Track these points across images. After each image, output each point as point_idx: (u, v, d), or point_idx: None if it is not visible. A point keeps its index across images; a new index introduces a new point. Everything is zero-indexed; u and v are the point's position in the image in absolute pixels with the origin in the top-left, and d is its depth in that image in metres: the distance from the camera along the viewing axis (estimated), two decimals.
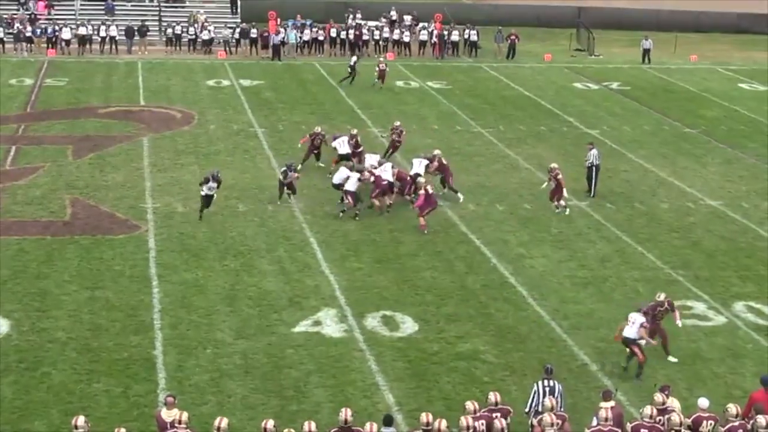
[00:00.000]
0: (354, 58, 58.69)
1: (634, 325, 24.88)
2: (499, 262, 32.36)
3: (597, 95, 58.68)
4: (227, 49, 66.23)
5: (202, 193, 34.81)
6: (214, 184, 34.72)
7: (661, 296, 26.42)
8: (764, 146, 48.01)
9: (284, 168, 36.46)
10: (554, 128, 49.99)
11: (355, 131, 41.30)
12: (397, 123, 43.33)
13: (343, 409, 19.48)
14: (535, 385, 21.84)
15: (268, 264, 31.50)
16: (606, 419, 19.71)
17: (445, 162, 38.15)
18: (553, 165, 37.03)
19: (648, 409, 19.98)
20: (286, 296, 29.25)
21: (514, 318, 28.50)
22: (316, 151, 41.12)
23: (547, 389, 21.49)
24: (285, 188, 36.39)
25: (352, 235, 34.12)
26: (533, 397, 21.59)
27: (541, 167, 41.57)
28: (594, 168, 39.37)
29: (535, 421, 20.31)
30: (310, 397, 23.80)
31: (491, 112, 52.85)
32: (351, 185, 35.42)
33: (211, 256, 31.93)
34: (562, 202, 36.61)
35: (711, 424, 20.21)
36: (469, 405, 20.19)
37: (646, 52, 69.26)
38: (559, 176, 36.36)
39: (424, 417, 19.44)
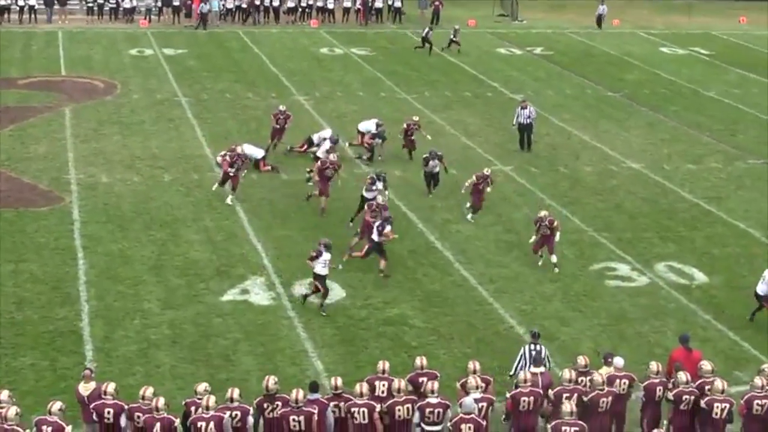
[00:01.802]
0: (427, 29, 59.37)
1: None
2: (425, 228, 32.52)
3: (520, 60, 58.96)
4: (149, 17, 65.61)
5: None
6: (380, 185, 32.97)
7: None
8: (685, 109, 48.60)
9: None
10: (479, 93, 50.19)
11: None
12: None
13: (266, 377, 19.50)
14: (522, 349, 22.13)
15: (194, 233, 31.39)
16: (525, 380, 19.89)
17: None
18: (544, 213, 29.92)
19: (567, 373, 20.17)
20: (213, 265, 29.19)
21: (441, 283, 28.69)
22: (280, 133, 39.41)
23: (534, 353, 21.76)
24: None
25: (278, 203, 34.08)
26: (519, 361, 21.91)
27: (466, 133, 41.82)
28: (526, 126, 40.25)
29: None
30: (238, 365, 23.82)
31: (416, 79, 52.90)
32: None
33: (137, 226, 31.74)
34: (554, 258, 29.59)
35: (625, 383, 20.48)
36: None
37: (601, 17, 69.75)
38: (555, 223, 29.58)
39: (358, 387, 19.45)
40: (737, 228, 33.66)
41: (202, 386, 19.14)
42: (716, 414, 19.61)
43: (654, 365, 20.76)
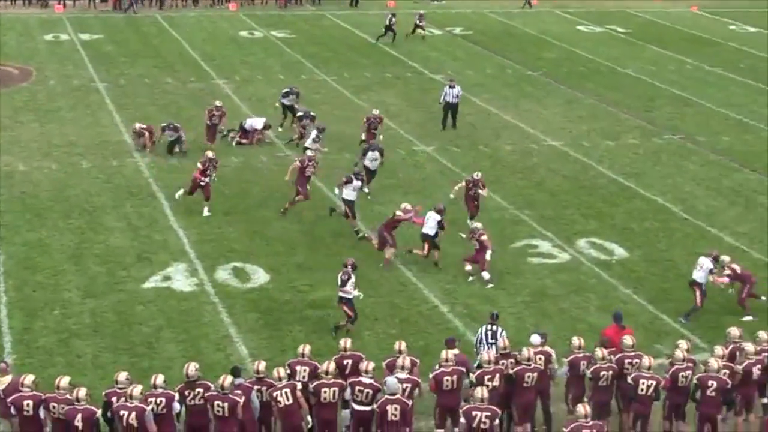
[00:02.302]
0: (390, 16, 57.82)
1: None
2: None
3: (440, 40, 59.00)
4: (64, 2, 64.77)
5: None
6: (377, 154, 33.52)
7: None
8: (603, 86, 49.00)
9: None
10: (399, 74, 50.20)
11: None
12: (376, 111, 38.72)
13: (187, 364, 19.38)
14: (480, 328, 22.45)
15: (114, 221, 31.12)
16: (447, 360, 19.97)
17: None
18: (477, 225, 28.89)
19: (485, 355, 20.29)
20: (135, 252, 28.97)
21: (365, 264, 28.62)
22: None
23: (490, 333, 22.06)
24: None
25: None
26: (476, 341, 22.25)
27: (387, 114, 41.76)
28: (453, 105, 40.48)
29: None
30: (161, 353, 23.69)
31: (336, 60, 52.79)
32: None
33: (55, 215, 31.39)
34: (485, 274, 27.97)
35: (541, 359, 20.60)
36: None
37: None
38: (483, 237, 28.24)
39: (276, 372, 19.41)
40: (655, 203, 34.05)
41: (122, 375, 18.97)
42: (642, 390, 19.83)
43: (576, 340, 20.97)
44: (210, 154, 32.38)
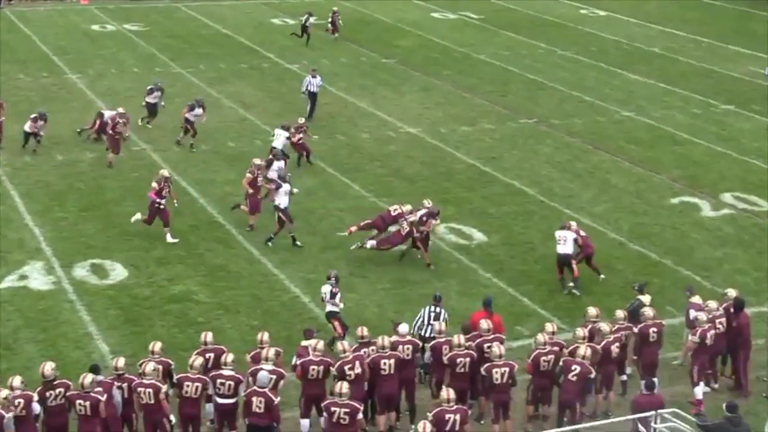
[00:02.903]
0: (306, 16, 55.48)
1: None
2: (206, 203, 32.34)
3: (295, 30, 58.80)
4: None
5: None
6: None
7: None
8: (458, 73, 49.47)
9: None
10: (255, 65, 50.03)
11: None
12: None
13: (42, 364, 19.11)
14: (423, 309, 22.69)
15: None
16: (315, 348, 20.04)
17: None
18: (403, 208, 28.92)
19: (339, 346, 20.31)
20: None
21: (225, 257, 28.61)
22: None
23: (433, 314, 22.43)
24: None
25: (54, 185, 33.36)
26: (417, 320, 22.54)
27: (243, 105, 41.66)
28: (313, 94, 40.45)
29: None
30: (20, 353, 23.28)
31: (190, 52, 52.39)
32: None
33: None
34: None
35: (408, 348, 20.69)
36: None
37: None
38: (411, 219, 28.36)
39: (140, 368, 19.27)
40: (513, 186, 34.54)
41: None
42: (497, 379, 19.99)
43: (437, 325, 21.18)
44: (165, 172, 30.03)
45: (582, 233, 27.33)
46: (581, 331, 21.01)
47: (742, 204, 33.28)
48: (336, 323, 23.45)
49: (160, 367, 19.40)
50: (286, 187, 29.40)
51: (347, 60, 51.68)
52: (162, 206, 29.35)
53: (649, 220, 31.89)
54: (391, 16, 62.93)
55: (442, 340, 20.84)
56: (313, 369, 19.84)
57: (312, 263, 28.26)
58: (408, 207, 28.76)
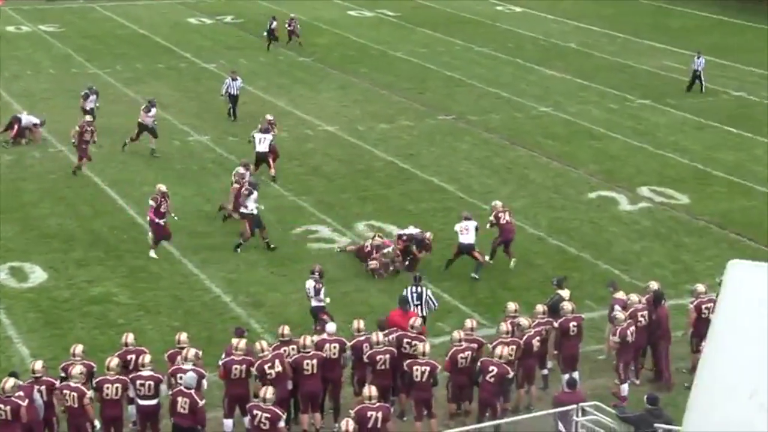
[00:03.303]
0: (272, 19, 54.24)
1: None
2: (125, 203, 32.15)
3: (212, 29, 58.78)
4: None
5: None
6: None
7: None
8: (375, 70, 49.62)
9: None
10: (171, 65, 49.81)
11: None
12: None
13: None
14: (405, 290, 23.28)
15: None
16: (237, 348, 20.02)
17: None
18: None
19: (257, 345, 20.20)
20: None
21: (145, 257, 28.44)
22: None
23: (415, 295, 23.11)
24: None
25: None
26: (401, 302, 22.91)
27: (161, 105, 41.29)
28: (234, 97, 40.39)
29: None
30: None
31: (107, 53, 52.02)
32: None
33: None
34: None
35: (335, 347, 20.65)
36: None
37: None
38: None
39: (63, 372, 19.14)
40: (431, 183, 34.71)
41: None
42: (417, 377, 20.02)
43: (356, 323, 21.23)
44: (162, 187, 28.85)
45: (508, 218, 27.94)
46: (504, 326, 21.10)
47: (658, 197, 33.74)
48: (325, 317, 22.90)
49: (85, 369, 19.29)
50: (255, 194, 28.93)
51: (265, 59, 51.61)
52: (163, 224, 28.44)
53: (568, 215, 32.23)
54: (308, 15, 62.80)
55: (362, 338, 20.83)
56: (236, 368, 19.78)
57: (233, 263, 28.21)
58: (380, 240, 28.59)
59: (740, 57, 52.89)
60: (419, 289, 23.24)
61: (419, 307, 22.98)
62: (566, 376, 21.23)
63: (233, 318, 24.98)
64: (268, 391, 18.64)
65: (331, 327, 21.06)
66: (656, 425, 18.33)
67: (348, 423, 17.80)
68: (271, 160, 33.90)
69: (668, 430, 18.23)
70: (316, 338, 20.66)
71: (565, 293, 23.31)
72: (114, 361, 19.33)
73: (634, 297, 22.65)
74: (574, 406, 19.15)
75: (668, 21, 63.83)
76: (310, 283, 23.81)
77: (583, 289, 26.65)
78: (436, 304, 23.74)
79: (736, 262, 13.48)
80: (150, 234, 28.73)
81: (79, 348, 19.93)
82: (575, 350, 21.99)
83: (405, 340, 20.89)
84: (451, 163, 36.71)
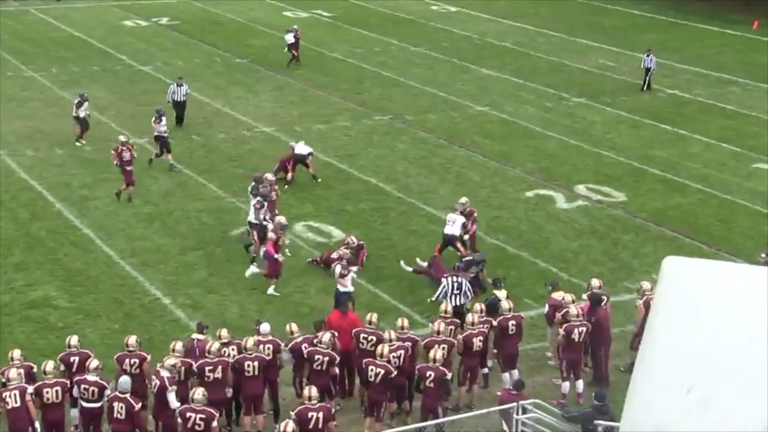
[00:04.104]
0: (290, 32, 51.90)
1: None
2: (63, 207, 31.98)
3: (147, 31, 58.49)
4: None
5: None
6: None
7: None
8: (312, 71, 49.64)
9: None
10: (107, 67, 49.54)
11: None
12: None
13: None
14: (444, 280, 24.12)
15: None
16: (174, 350, 20.01)
17: None
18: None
19: (208, 345, 20.34)
20: None
21: (83, 261, 28.34)
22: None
23: (455, 285, 23.89)
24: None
25: None
26: (441, 290, 24.00)
27: (97, 108, 41.12)
28: (180, 103, 40.06)
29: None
30: None
31: (42, 56, 51.66)
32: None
33: None
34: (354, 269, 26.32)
35: (269, 348, 20.62)
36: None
37: None
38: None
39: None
40: (369, 183, 34.80)
41: None
42: (371, 377, 20.08)
43: (288, 326, 21.26)
44: (282, 219, 27.99)
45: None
46: (436, 326, 21.23)
47: (595, 195, 34.06)
48: (350, 305, 23.00)
49: (22, 370, 19.20)
50: (266, 207, 28.65)
51: (201, 60, 51.48)
52: (279, 259, 26.85)
53: (506, 214, 32.46)
54: (243, 16, 62.82)
55: (299, 339, 20.89)
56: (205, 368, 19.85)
57: (171, 265, 28.16)
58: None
59: (673, 55, 53.46)
60: (460, 279, 23.90)
61: (457, 296, 23.71)
62: (508, 376, 21.47)
63: (173, 321, 24.98)
64: (198, 392, 18.62)
65: (264, 327, 21.05)
66: (597, 422, 18.50)
67: (288, 424, 17.85)
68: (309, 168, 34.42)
69: (609, 427, 18.41)
70: (255, 338, 20.69)
71: (501, 294, 23.32)
72: (50, 365, 19.26)
73: (568, 297, 22.75)
74: (515, 404, 19.29)
75: (602, 20, 64.43)
76: (337, 269, 24.76)
77: (521, 287, 26.86)
78: (471, 294, 24.35)
79: (672, 259, 13.71)
80: (256, 269, 27.37)
81: (17, 353, 19.84)
82: (514, 349, 22.16)
83: (362, 335, 21.05)
84: (389, 163, 36.83)
